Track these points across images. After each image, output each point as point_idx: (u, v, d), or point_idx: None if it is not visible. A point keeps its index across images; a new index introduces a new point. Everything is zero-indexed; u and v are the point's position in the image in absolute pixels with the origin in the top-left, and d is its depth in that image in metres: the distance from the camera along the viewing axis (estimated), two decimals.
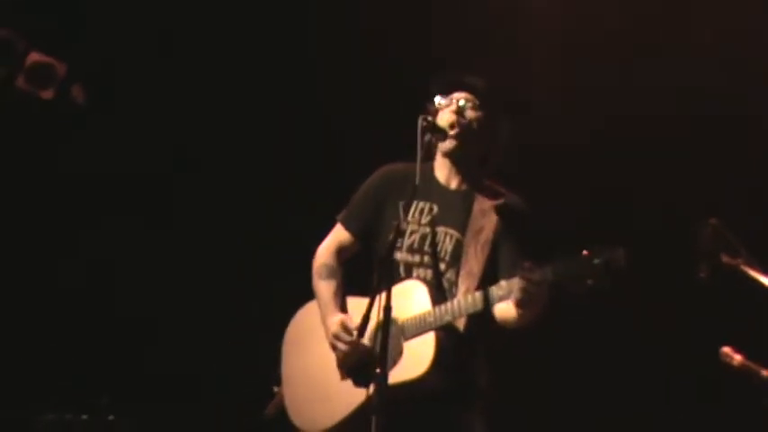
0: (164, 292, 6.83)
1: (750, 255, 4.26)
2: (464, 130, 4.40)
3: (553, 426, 6.20)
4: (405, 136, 4.24)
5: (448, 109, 4.39)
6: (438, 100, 4.39)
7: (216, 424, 6.79)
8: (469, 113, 4.41)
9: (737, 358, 4.65)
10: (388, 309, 3.85)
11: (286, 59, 6.79)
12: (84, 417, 6.15)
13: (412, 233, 4.40)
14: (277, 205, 6.73)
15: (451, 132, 4.38)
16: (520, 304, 4.03)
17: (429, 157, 4.36)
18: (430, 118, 4.23)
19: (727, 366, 4.68)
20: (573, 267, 3.91)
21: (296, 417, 4.49)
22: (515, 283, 4.02)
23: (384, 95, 6.36)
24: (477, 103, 4.42)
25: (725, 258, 4.25)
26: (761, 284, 4.23)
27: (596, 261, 3.86)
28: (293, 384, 4.55)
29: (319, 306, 4.50)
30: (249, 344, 6.44)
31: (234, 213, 6.82)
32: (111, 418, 6.18)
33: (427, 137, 4.19)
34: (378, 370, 3.84)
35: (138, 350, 6.82)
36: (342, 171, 5.18)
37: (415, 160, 4.13)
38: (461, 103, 4.41)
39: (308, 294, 4.60)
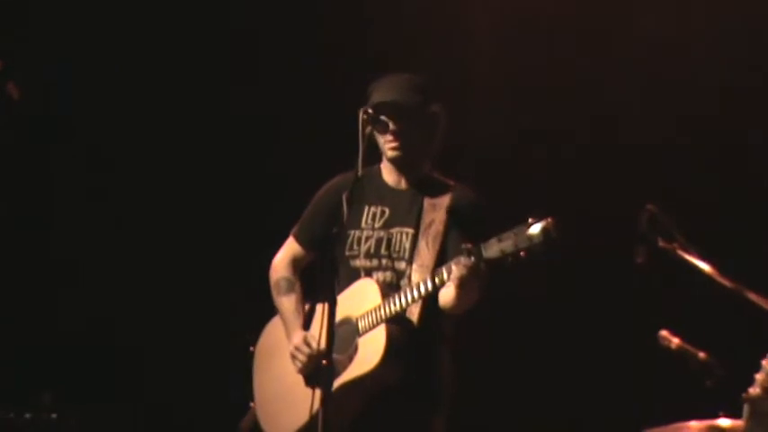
0: (111, 288, 6.82)
1: (686, 239, 4.33)
2: (402, 144, 4.46)
3: (508, 413, 6.26)
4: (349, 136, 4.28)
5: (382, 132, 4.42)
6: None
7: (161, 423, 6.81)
8: (403, 130, 4.43)
9: (675, 341, 4.71)
10: (332, 308, 3.91)
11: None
12: (28, 415, 6.12)
13: (367, 239, 4.50)
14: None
15: (390, 150, 4.43)
16: (459, 284, 4.09)
17: (370, 155, 4.41)
18: (371, 110, 4.27)
19: (665, 349, 4.75)
20: (506, 242, 3.99)
21: (264, 423, 4.65)
22: (453, 266, 4.10)
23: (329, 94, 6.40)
24: (407, 118, 4.42)
25: (661, 243, 4.32)
26: (696, 268, 4.31)
27: (529, 232, 3.93)
28: (263, 393, 4.69)
29: (283, 322, 4.62)
30: (198, 346, 6.48)
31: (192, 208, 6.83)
32: (54, 416, 6.15)
33: (368, 129, 4.23)
34: (324, 362, 3.93)
35: (82, 348, 6.79)
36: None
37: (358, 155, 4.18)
38: (391, 127, 4.42)
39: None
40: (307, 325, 4.57)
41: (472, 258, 4.05)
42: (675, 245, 4.32)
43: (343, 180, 4.52)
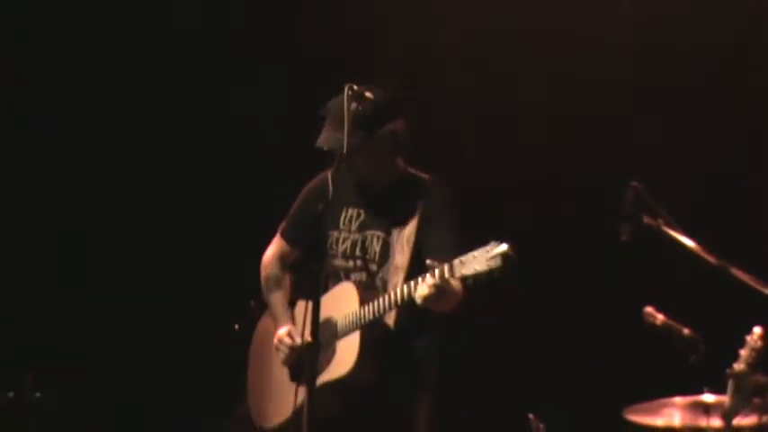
0: (94, 268, 6.82)
1: (670, 216, 4.35)
2: (361, 173, 4.50)
3: (492, 392, 6.28)
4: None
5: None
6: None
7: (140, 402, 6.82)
8: (356, 163, 4.43)
9: (660, 317, 4.73)
10: (316, 308, 3.99)
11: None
12: (10, 394, 6.12)
13: (344, 240, 4.58)
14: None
15: (355, 175, 4.50)
16: (425, 302, 4.18)
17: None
18: (356, 87, 4.26)
19: (650, 326, 4.77)
20: (467, 265, 4.06)
21: (255, 415, 4.76)
22: (421, 279, 4.18)
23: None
24: (353, 155, 4.34)
25: (646, 220, 4.34)
26: (681, 244, 4.33)
27: (488, 257, 4.01)
28: (254, 386, 4.81)
29: (272, 317, 4.74)
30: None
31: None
32: (37, 395, 6.15)
33: (353, 105, 4.22)
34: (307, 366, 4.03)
35: (64, 327, 6.78)
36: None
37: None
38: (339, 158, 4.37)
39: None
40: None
41: (436, 277, 4.12)
42: (660, 221, 4.34)
43: (325, 177, 4.51)
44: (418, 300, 4.16)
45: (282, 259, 4.78)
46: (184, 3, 6.86)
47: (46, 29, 6.87)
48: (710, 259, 4.27)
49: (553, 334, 6.22)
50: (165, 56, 6.85)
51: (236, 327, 5.10)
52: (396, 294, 4.30)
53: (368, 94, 4.28)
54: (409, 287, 4.24)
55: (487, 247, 4.02)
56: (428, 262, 4.13)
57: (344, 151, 4.18)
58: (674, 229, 4.34)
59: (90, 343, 6.80)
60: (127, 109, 6.90)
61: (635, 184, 4.34)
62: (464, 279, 4.09)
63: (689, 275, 4.82)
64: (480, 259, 4.02)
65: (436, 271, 4.10)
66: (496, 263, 3.97)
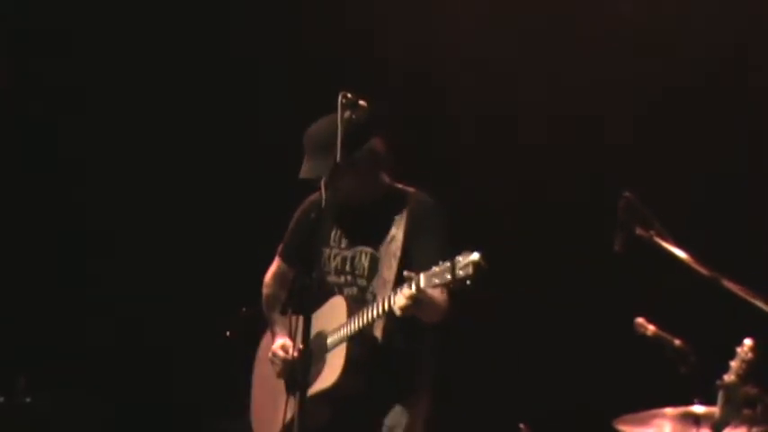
0: (93, 269, 6.83)
1: (662, 227, 4.35)
2: (344, 196, 4.54)
3: (483, 401, 6.29)
4: None
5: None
6: None
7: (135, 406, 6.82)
8: (338, 186, 4.40)
9: (651, 328, 4.73)
10: (307, 322, 4.04)
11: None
12: (1, 399, 6.11)
13: (335, 256, 4.72)
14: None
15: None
16: (403, 311, 4.30)
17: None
18: (350, 95, 4.27)
19: (641, 336, 4.77)
20: (439, 276, 4.17)
21: (255, 425, 4.96)
22: (399, 290, 4.31)
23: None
24: (332, 180, 4.31)
25: (639, 230, 4.34)
26: (673, 255, 4.33)
27: (458, 267, 4.12)
28: (255, 399, 4.99)
29: (271, 333, 4.89)
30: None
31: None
32: (28, 400, 6.15)
33: (347, 113, 4.23)
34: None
35: (58, 332, 6.78)
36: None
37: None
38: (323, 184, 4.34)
39: None
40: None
41: (412, 287, 4.23)
42: (652, 232, 4.35)
43: (317, 197, 4.53)
44: (397, 311, 4.29)
45: (281, 278, 4.91)
46: (184, 3, 6.86)
47: (46, 28, 6.88)
48: (702, 270, 4.27)
49: (544, 343, 6.23)
50: (165, 56, 6.85)
51: (228, 334, 5.22)
52: (378, 307, 4.42)
53: (361, 103, 4.30)
54: (389, 299, 4.35)
55: (459, 257, 4.13)
56: (405, 273, 4.26)
57: (325, 177, 4.22)
58: (667, 241, 4.34)
59: (88, 344, 6.81)
60: (127, 109, 6.91)
61: (627, 194, 4.35)
62: (440, 287, 4.22)
63: (681, 286, 4.82)
64: (453, 269, 4.12)
65: (412, 282, 4.21)
66: (467, 272, 4.09)
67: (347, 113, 4.24)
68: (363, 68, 6.27)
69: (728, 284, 4.21)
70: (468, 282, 4.11)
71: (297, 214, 4.87)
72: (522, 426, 5.46)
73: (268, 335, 4.95)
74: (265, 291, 4.98)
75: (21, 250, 6.88)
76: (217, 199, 6.82)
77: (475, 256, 4.11)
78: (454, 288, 4.19)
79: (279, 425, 4.53)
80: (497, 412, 6.03)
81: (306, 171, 4.55)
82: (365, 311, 4.47)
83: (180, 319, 6.68)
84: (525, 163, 6.35)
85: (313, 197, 4.69)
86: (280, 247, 4.95)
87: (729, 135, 6.12)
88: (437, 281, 4.18)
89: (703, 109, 6.13)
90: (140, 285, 6.81)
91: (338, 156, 4.19)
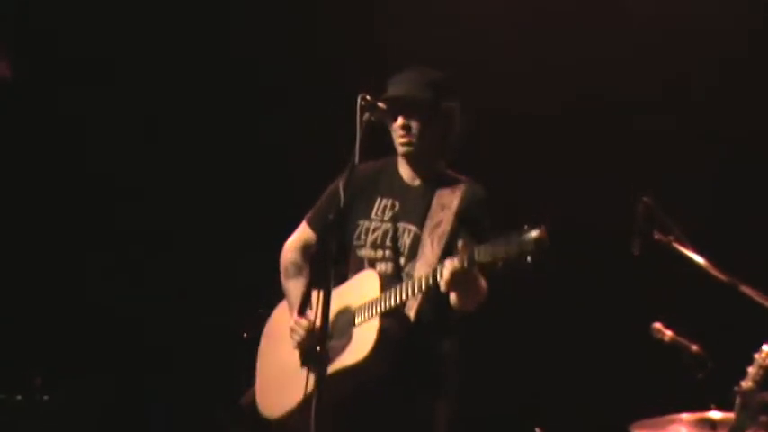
0: (104, 270, 6.84)
1: (681, 232, 4.35)
2: (412, 140, 4.44)
3: (500, 405, 6.28)
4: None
5: (395, 125, 4.45)
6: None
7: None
8: (414, 125, 4.43)
9: (668, 334, 4.73)
10: (327, 294, 3.89)
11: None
12: (18, 397, 6.13)
13: (375, 230, 4.49)
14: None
15: (401, 145, 4.44)
16: (449, 286, 4.10)
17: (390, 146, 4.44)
18: (369, 97, 4.25)
19: (658, 341, 4.77)
20: (498, 247, 3.97)
21: (261, 403, 4.62)
22: (443, 268, 4.09)
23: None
24: (417, 113, 4.41)
25: (657, 235, 4.34)
26: (691, 261, 4.33)
27: (520, 240, 3.92)
28: (263, 374, 4.69)
29: (288, 304, 4.61)
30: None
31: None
32: (45, 398, 6.16)
33: (366, 116, 4.22)
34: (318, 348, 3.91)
35: (73, 329, 6.81)
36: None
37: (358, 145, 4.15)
38: (399, 122, 4.42)
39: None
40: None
41: (464, 261, 4.04)
42: (671, 237, 4.34)
43: (357, 170, 4.50)
44: (443, 283, 4.07)
45: (305, 248, 4.65)
46: (185, 2, 6.86)
47: (46, 28, 6.88)
48: (720, 276, 4.27)
49: (560, 348, 6.22)
50: (166, 55, 6.86)
51: (245, 335, 5.04)
52: (419, 281, 4.20)
53: (380, 105, 4.29)
54: (434, 273, 4.14)
55: (520, 231, 3.92)
56: (459, 243, 4.08)
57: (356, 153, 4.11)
58: (685, 246, 4.34)
59: (96, 343, 6.83)
60: (127, 109, 6.90)
61: (646, 199, 4.34)
62: (494, 261, 3.98)
63: (698, 292, 4.82)
64: (512, 242, 3.92)
65: (467, 253, 4.01)
66: (530, 246, 3.88)
67: (366, 116, 4.22)
68: (363, 69, 6.21)
69: (746, 290, 4.21)
70: (528, 258, 3.88)
71: (335, 184, 4.55)
72: (537, 430, 5.45)
73: (280, 307, 4.71)
74: (285, 258, 4.68)
75: (30, 250, 6.89)
76: (217, 199, 6.80)
77: (538, 231, 3.89)
78: (511, 264, 3.92)
79: (293, 401, 4.32)
80: (513, 416, 6.03)
81: (399, 90, 4.38)
82: (403, 286, 4.24)
83: (192, 318, 6.69)
84: (539, 162, 6.34)
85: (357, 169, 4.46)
86: (308, 215, 4.68)
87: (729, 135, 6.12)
88: (494, 254, 3.95)
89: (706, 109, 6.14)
90: (140, 285, 6.82)
91: (356, 158, 4.15)
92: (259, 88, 6.81)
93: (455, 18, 6.51)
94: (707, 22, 6.15)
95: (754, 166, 6.13)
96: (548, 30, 6.40)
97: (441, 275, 4.11)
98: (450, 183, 4.49)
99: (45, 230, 6.95)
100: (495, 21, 6.46)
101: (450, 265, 4.06)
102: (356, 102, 4.16)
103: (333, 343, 4.26)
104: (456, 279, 4.07)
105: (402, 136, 4.45)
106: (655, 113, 6.23)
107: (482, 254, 4.01)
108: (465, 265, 4.04)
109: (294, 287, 4.59)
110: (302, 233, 4.70)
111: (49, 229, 6.95)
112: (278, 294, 4.75)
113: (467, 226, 4.36)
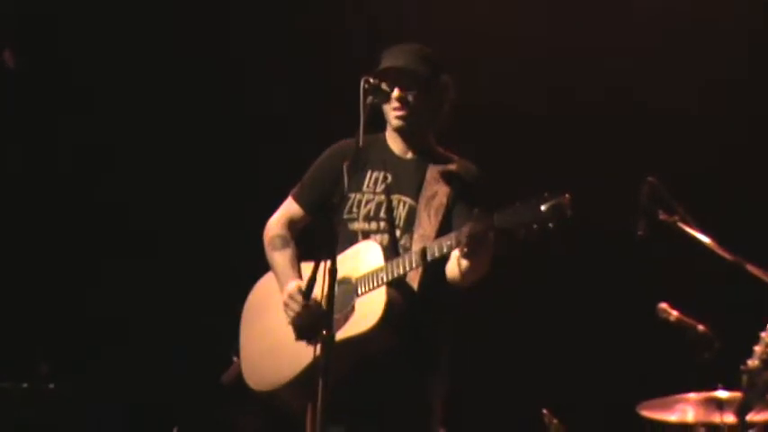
0: (108, 261, 6.85)
1: (686, 212, 4.34)
2: (408, 113, 4.41)
3: (505, 385, 6.29)
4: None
5: (391, 96, 4.41)
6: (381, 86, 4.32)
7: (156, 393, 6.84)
8: (411, 98, 4.41)
9: (674, 314, 4.74)
10: (333, 270, 3.85)
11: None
12: (24, 385, 6.13)
13: (368, 202, 4.41)
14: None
15: (396, 118, 4.40)
16: (467, 253, 4.05)
17: (376, 123, 4.38)
18: (372, 80, 4.23)
19: (664, 321, 4.77)
20: (520, 213, 3.91)
21: (249, 376, 4.50)
22: (464, 231, 4.03)
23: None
24: (414, 85, 4.37)
25: (662, 216, 4.33)
26: (696, 241, 4.32)
27: (543, 207, 3.87)
28: (249, 347, 4.57)
29: (276, 275, 4.51)
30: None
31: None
32: (51, 386, 6.16)
33: (369, 99, 4.20)
34: (324, 331, 3.88)
35: (79, 319, 6.81)
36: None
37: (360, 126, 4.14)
38: (396, 94, 4.35)
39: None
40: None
41: (484, 226, 3.96)
42: (676, 217, 4.33)
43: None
44: (461, 250, 4.00)
45: (291, 223, 4.56)
46: (185, 2, 6.86)
47: (47, 27, 6.88)
48: (726, 255, 4.26)
49: (567, 329, 6.23)
50: (165, 55, 6.86)
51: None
52: (425, 249, 4.14)
53: (384, 87, 4.27)
54: (453, 237, 4.06)
55: (541, 198, 3.86)
56: (475, 211, 3.98)
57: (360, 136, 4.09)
58: (690, 226, 4.33)
59: (108, 329, 6.85)
60: (127, 108, 6.90)
61: (651, 179, 4.33)
62: (515, 227, 3.89)
63: (704, 271, 4.81)
64: (535, 208, 3.85)
65: (486, 219, 3.94)
66: (554, 212, 3.81)
67: (369, 98, 4.20)
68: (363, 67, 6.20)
69: (752, 269, 4.20)
70: (550, 224, 3.80)
71: (322, 159, 4.53)
72: (545, 411, 5.45)
73: (264, 279, 4.59)
74: (270, 233, 4.55)
75: (36, 240, 6.90)
76: (217, 199, 6.80)
77: (561, 198, 3.82)
78: (533, 231, 3.82)
79: (287, 375, 4.27)
80: (520, 398, 6.03)
81: (397, 62, 4.31)
82: (409, 256, 4.17)
83: (192, 319, 6.70)
84: (547, 150, 6.34)
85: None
86: (294, 190, 4.59)
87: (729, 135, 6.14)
88: (517, 220, 3.87)
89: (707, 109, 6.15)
90: (141, 284, 6.83)
91: (360, 140, 4.13)
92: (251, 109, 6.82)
93: (455, 18, 6.50)
94: (709, 19, 6.15)
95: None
96: (550, 24, 6.41)
97: (457, 241, 4.03)
98: (442, 158, 4.46)
99: (51, 222, 6.96)
100: (494, 19, 6.45)
101: (469, 228, 3.98)
102: (359, 85, 4.15)
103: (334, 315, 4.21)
104: (473, 245, 3.99)
105: (397, 108, 4.39)
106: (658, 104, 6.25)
107: (500, 219, 3.94)
108: (483, 228, 3.96)
109: (281, 257, 4.50)
110: (288, 208, 4.60)
111: (54, 220, 6.95)
112: None
113: (465, 198, 4.30)
